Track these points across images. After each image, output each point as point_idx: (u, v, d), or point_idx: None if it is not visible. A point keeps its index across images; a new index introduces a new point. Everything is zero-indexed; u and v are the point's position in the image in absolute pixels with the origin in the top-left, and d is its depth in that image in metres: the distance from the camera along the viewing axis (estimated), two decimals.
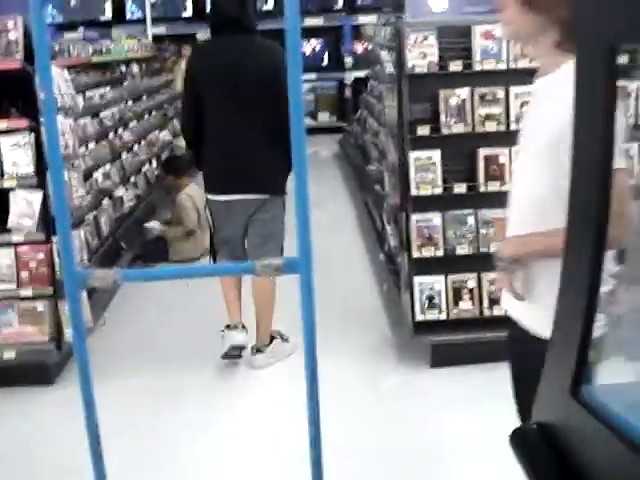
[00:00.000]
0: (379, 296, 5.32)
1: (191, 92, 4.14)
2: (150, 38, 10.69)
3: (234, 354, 4.25)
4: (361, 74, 10.44)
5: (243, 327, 4.30)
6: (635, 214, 1.92)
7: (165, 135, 9.15)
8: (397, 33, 4.14)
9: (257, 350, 4.33)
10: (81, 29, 7.32)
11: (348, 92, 11.70)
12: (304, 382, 1.63)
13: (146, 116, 8.58)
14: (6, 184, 4.05)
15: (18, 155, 4.01)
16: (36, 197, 4.03)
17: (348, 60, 11.81)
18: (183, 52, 11.30)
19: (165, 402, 4.00)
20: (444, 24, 4.14)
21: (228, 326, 4.29)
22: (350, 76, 11.67)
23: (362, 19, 12.27)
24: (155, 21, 11.53)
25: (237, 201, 4.12)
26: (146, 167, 7.85)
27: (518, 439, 1.34)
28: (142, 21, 11.27)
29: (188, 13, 13.23)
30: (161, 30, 12.24)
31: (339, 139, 11.73)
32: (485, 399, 3.81)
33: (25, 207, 4.03)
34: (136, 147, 7.69)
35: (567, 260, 1.17)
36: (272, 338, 4.36)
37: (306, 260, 2.22)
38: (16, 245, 4.12)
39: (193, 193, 6.47)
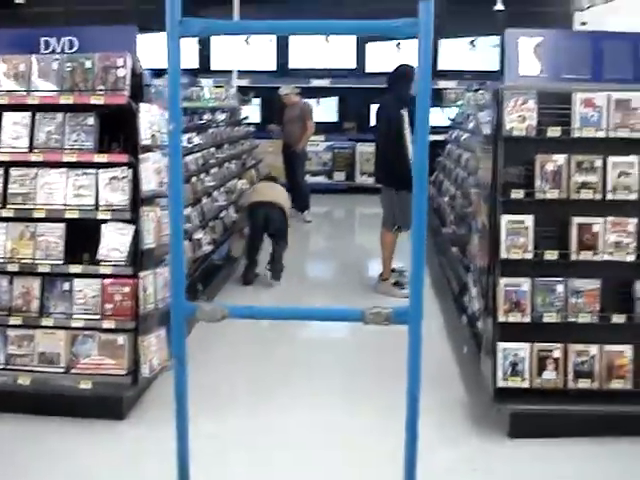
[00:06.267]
0: (454, 359, 5.20)
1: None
2: (235, 88, 10.91)
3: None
4: (439, 137, 10.40)
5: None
6: None
7: (243, 184, 9.25)
8: (496, 95, 4.12)
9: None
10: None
11: None
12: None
13: (226, 164, 8.71)
14: (100, 216, 4.11)
15: (114, 189, 4.07)
16: (128, 231, 4.08)
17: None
18: None
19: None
20: (544, 89, 4.11)
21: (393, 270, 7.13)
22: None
23: (442, 84, 12.30)
24: (240, 73, 11.82)
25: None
26: (224, 213, 7.94)
27: None
28: (227, 72, 11.53)
29: (272, 67, 13.55)
30: (245, 82, 12.50)
31: None
32: (560, 477, 3.68)
33: (116, 240, 4.08)
34: (215, 193, 7.78)
35: None
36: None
37: (416, 311, 2.16)
38: (103, 277, 4.17)
39: None
